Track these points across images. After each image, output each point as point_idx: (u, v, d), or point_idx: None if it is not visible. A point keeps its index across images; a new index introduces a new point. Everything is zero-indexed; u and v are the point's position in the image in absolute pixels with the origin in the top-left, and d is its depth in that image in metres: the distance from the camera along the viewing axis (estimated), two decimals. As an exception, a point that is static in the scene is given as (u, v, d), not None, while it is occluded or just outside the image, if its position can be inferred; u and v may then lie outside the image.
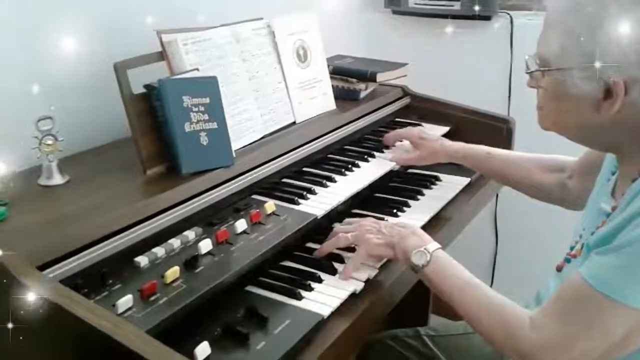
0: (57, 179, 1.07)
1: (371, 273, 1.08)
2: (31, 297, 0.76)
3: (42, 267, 0.83)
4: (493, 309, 0.91)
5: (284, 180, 1.31)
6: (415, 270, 1.00)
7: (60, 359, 0.78)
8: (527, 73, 0.98)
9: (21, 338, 0.80)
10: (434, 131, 1.63)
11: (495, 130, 1.68)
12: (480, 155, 1.36)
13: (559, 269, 1.00)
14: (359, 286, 1.04)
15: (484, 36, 2.06)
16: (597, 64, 0.83)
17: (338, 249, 1.12)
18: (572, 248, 0.99)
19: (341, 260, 1.12)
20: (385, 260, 1.11)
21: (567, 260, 0.99)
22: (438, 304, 1.94)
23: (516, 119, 1.71)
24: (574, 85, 0.87)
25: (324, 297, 1.00)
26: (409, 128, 1.53)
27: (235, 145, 1.22)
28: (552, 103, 0.94)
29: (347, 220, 1.19)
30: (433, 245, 1.01)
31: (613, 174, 0.98)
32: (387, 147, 1.51)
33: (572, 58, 0.86)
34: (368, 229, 1.09)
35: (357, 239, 1.09)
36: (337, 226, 1.17)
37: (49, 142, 1.05)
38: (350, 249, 1.12)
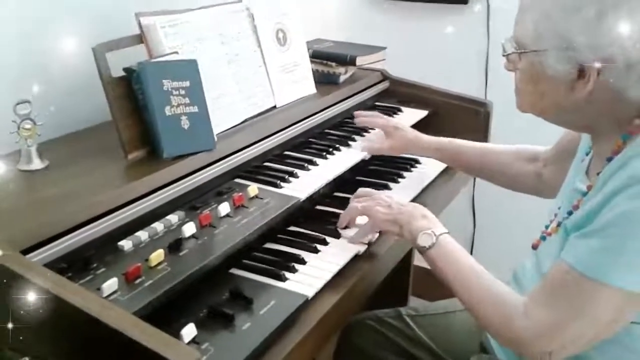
0: (37, 164, 1.05)
1: (361, 249, 1.11)
2: (16, 281, 0.76)
3: (25, 252, 0.82)
4: (490, 295, 0.93)
5: (266, 164, 1.31)
6: (420, 251, 1.02)
7: (48, 343, 0.77)
8: (503, 56, 0.99)
9: (5, 323, 0.80)
10: (413, 115, 1.65)
11: (473, 113, 1.70)
12: (452, 148, 1.36)
13: (535, 247, 1.03)
14: (344, 261, 1.07)
15: (462, 20, 2.07)
16: (571, 46, 0.85)
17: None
18: (547, 227, 1.02)
19: (323, 242, 1.13)
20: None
21: (543, 238, 1.02)
22: (417, 286, 1.98)
23: (494, 103, 1.73)
24: (549, 66, 0.89)
25: (308, 278, 1.02)
26: (386, 117, 1.51)
27: (217, 129, 1.21)
28: (529, 85, 0.95)
29: (362, 190, 1.19)
30: (440, 229, 1.02)
31: (587, 154, 1.01)
32: (371, 127, 1.50)
33: (547, 40, 0.88)
34: (379, 202, 1.10)
35: (366, 210, 1.11)
36: (354, 195, 1.18)
37: (28, 126, 1.04)
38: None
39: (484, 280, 0.95)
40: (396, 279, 1.83)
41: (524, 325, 0.87)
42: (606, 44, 0.83)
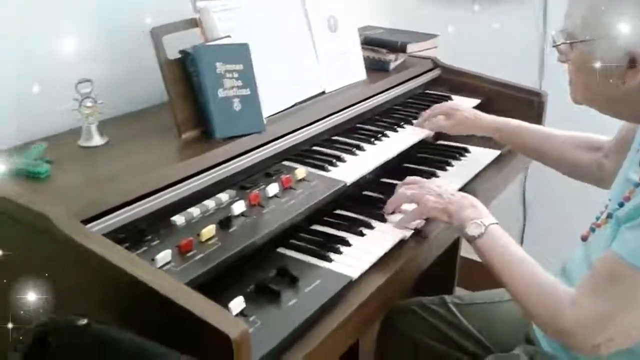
0: (97, 141, 1.10)
1: (407, 234, 1.11)
2: (76, 249, 0.80)
3: (85, 222, 0.87)
4: (538, 286, 0.92)
5: (314, 147, 1.32)
6: (468, 240, 1.02)
7: (103, 310, 0.81)
8: (553, 47, 0.99)
9: (66, 289, 0.84)
10: (465, 104, 1.63)
11: (526, 103, 1.66)
12: (513, 129, 1.35)
13: (584, 239, 1.01)
14: (389, 245, 1.07)
15: (518, 8, 2.02)
16: (620, 35, 0.83)
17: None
18: (597, 218, 0.99)
19: (369, 225, 1.14)
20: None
21: (592, 230, 0.99)
22: (463, 278, 1.95)
23: (549, 94, 1.68)
24: (599, 56, 0.88)
25: (353, 260, 1.03)
26: (443, 103, 1.52)
27: (267, 112, 1.23)
28: (580, 76, 0.95)
29: (410, 178, 1.20)
30: (490, 219, 1.02)
31: (642, 144, 0.97)
32: (420, 115, 1.50)
33: (596, 30, 0.87)
34: (428, 190, 1.10)
35: (415, 198, 1.11)
36: (401, 183, 1.19)
37: (89, 104, 1.08)
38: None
39: (532, 270, 0.93)
40: (442, 269, 1.80)
41: (572, 316, 0.86)
42: None
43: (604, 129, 1.25)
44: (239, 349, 0.69)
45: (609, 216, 0.94)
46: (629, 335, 0.83)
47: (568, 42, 0.93)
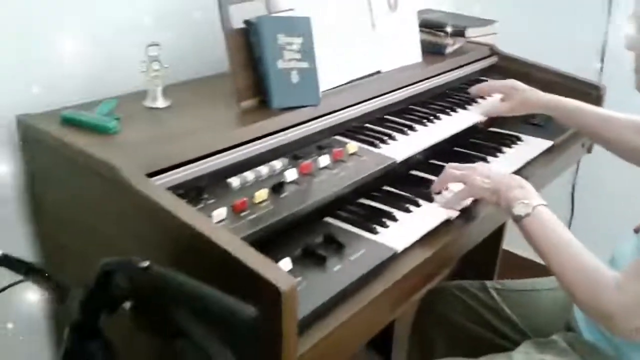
0: (161, 102, 1.16)
1: (453, 215, 1.12)
2: (140, 199, 0.85)
3: (150, 176, 0.92)
4: (583, 268, 0.92)
5: (366, 125, 1.34)
6: (515, 220, 1.02)
7: (163, 258, 0.86)
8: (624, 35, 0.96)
9: (129, 235, 0.90)
10: (524, 85, 1.61)
11: (584, 96, 1.62)
12: (572, 108, 1.35)
13: (637, 231, 1.00)
14: (435, 223, 1.09)
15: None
16: None
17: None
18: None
19: (415, 203, 1.15)
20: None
21: (646, 222, 0.98)
22: (503, 271, 1.95)
23: (609, 89, 1.65)
24: None
25: (398, 234, 1.05)
26: (501, 80, 1.51)
27: (323, 86, 1.26)
28: None
29: (457, 164, 1.21)
30: (538, 200, 1.02)
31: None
32: (474, 102, 1.51)
33: None
34: (477, 172, 1.11)
35: (465, 178, 1.12)
36: (449, 165, 1.20)
37: (156, 67, 1.14)
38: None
39: (578, 252, 0.93)
40: (483, 258, 1.82)
41: (614, 299, 0.86)
42: None
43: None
44: (287, 301, 0.73)
45: None
46: None
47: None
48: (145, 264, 0.74)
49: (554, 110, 1.37)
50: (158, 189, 0.87)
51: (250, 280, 0.75)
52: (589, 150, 1.66)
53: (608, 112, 1.36)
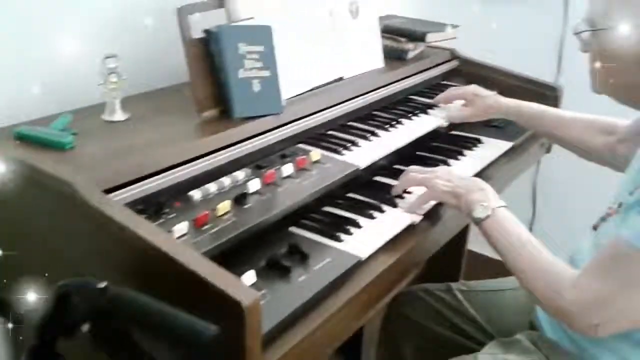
0: (119, 115, 1.14)
1: (416, 219, 1.13)
2: (97, 217, 0.84)
3: (107, 192, 0.90)
4: (542, 267, 0.94)
5: (330, 132, 1.35)
6: (475, 222, 1.04)
7: (121, 276, 0.85)
8: (574, 34, 0.99)
9: (86, 254, 0.88)
10: (486, 91, 1.64)
11: (543, 98, 1.66)
12: (533, 112, 1.38)
13: (595, 228, 1.03)
14: (398, 228, 1.10)
15: (539, 1, 2.02)
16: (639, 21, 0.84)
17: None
18: (609, 208, 1.01)
19: (379, 209, 1.16)
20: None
21: (603, 219, 1.01)
22: (468, 272, 1.98)
23: (566, 88, 1.69)
24: (619, 44, 0.88)
25: (363, 241, 1.05)
26: (463, 86, 1.54)
27: (285, 94, 1.26)
28: (601, 65, 0.95)
29: (418, 167, 1.22)
30: (497, 202, 1.04)
31: (656, 135, 0.99)
32: (436, 106, 1.53)
33: (617, 17, 0.88)
34: (438, 175, 1.13)
35: (425, 181, 1.13)
36: (410, 168, 1.21)
37: (114, 79, 1.12)
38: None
39: (537, 251, 0.95)
40: (449, 259, 1.84)
41: (573, 296, 0.88)
42: None
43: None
44: (250, 316, 0.72)
45: (620, 205, 0.96)
46: (627, 317, 0.85)
47: (590, 29, 0.93)
48: (103, 284, 0.72)
49: (515, 115, 1.41)
50: (115, 205, 0.86)
51: (212, 296, 0.74)
52: (548, 150, 1.70)
53: (567, 113, 1.40)
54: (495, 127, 1.58)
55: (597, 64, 0.96)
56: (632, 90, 0.92)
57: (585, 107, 1.39)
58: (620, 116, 1.24)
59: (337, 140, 1.30)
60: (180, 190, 1.00)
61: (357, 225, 1.10)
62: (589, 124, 1.31)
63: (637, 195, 0.88)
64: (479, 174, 1.38)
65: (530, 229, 2.17)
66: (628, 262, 0.84)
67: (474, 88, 1.49)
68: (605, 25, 0.91)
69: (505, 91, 1.68)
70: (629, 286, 0.83)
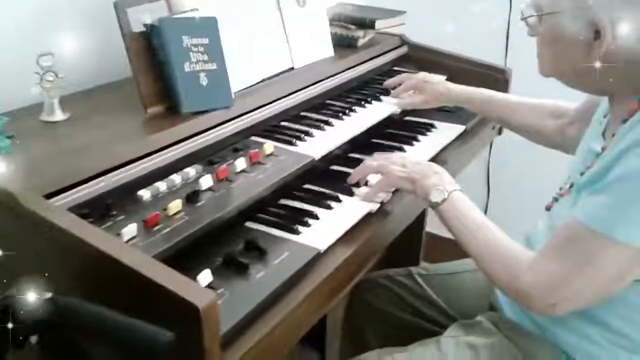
0: (59, 115, 1.08)
1: (374, 207, 1.13)
2: (39, 224, 0.79)
3: (48, 197, 0.85)
4: (499, 249, 0.95)
5: (283, 123, 1.32)
6: (432, 206, 1.04)
7: (69, 284, 0.81)
8: (521, 20, 1.00)
9: (31, 264, 0.83)
10: (437, 78, 1.64)
11: (492, 80, 1.68)
12: (482, 98, 1.40)
13: (548, 208, 1.04)
14: (356, 218, 1.09)
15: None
16: (586, 6, 0.85)
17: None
18: (561, 189, 1.03)
19: (336, 199, 1.15)
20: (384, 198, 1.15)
21: (556, 200, 1.03)
22: (428, 253, 2.00)
23: (514, 70, 1.71)
24: (566, 28, 0.90)
25: (321, 233, 1.04)
26: (413, 74, 1.54)
27: (235, 87, 1.23)
28: (549, 48, 0.96)
29: (378, 154, 1.22)
30: (453, 186, 1.04)
31: (605, 116, 1.00)
32: (388, 92, 1.53)
33: (563, 1, 0.89)
34: (394, 162, 1.13)
35: (381, 168, 1.13)
36: (367, 158, 1.21)
37: (50, 78, 1.06)
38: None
39: (493, 234, 0.96)
40: (408, 243, 1.85)
41: (530, 277, 0.89)
42: (620, 3, 0.83)
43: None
44: (207, 318, 0.70)
45: (572, 186, 0.98)
46: (584, 296, 0.87)
47: (536, 14, 0.94)
48: (48, 294, 0.69)
49: (465, 102, 1.42)
50: (57, 211, 0.81)
51: (166, 300, 0.71)
52: (500, 132, 1.72)
53: (516, 98, 1.41)
54: (448, 111, 1.60)
55: (544, 48, 0.97)
56: (578, 73, 0.94)
57: (534, 90, 1.41)
58: (569, 98, 1.26)
59: (290, 132, 1.27)
60: (128, 190, 0.96)
61: (314, 216, 1.08)
62: (538, 108, 1.33)
63: (588, 176, 0.90)
64: (433, 159, 1.38)
65: (486, 211, 2.21)
66: (582, 242, 0.85)
67: (423, 75, 1.49)
68: (551, 9, 0.91)
69: (455, 75, 1.71)
70: (584, 266, 0.85)
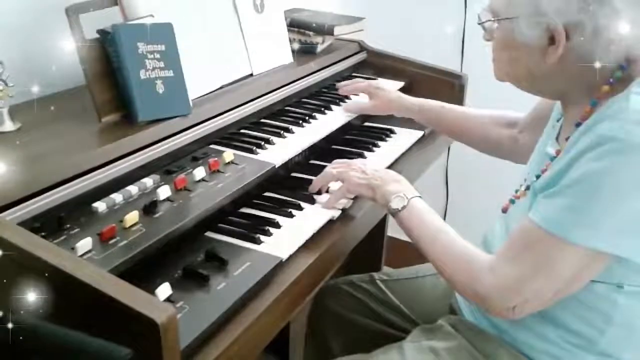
0: (8, 126, 1.04)
1: (335, 214, 1.13)
2: (-13, 239, 0.76)
3: (-3, 211, 0.82)
4: (458, 254, 0.96)
5: (242, 130, 1.31)
6: (392, 213, 1.05)
7: (20, 302, 0.78)
8: (478, 24, 1.02)
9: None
10: (389, 86, 1.66)
11: (448, 85, 1.72)
12: (434, 110, 1.40)
13: (504, 211, 1.07)
14: (318, 225, 1.09)
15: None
16: (541, 12, 0.88)
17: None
18: (516, 191, 1.05)
19: (298, 207, 1.14)
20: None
21: (512, 202, 1.05)
22: (390, 258, 2.01)
23: (470, 75, 1.75)
24: (521, 33, 0.92)
25: (283, 241, 1.03)
26: (367, 80, 1.55)
27: (192, 94, 1.21)
28: (504, 53, 0.98)
29: (337, 160, 1.22)
30: (412, 193, 1.05)
31: (558, 120, 1.03)
32: (347, 97, 1.53)
33: (519, 7, 0.91)
34: (353, 168, 1.13)
35: (341, 175, 1.13)
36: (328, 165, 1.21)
37: (-1, 87, 1.02)
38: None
39: (451, 239, 0.98)
40: (370, 248, 1.86)
41: (489, 281, 0.91)
42: (574, 10, 0.85)
43: (522, 109, 1.32)
44: (166, 333, 0.68)
45: (527, 188, 1.00)
46: (542, 297, 0.89)
47: (492, 19, 0.96)
48: (-2, 314, 0.66)
49: (417, 114, 1.41)
50: (7, 225, 0.78)
51: (124, 316, 0.69)
52: (457, 136, 1.75)
53: (466, 109, 1.43)
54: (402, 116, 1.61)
55: (500, 53, 0.99)
56: (534, 77, 0.96)
57: (486, 95, 1.44)
58: (523, 103, 1.29)
59: (250, 139, 1.26)
60: (83, 202, 0.93)
61: (276, 225, 1.07)
62: (489, 118, 1.34)
63: (544, 179, 0.92)
64: (393, 164, 1.40)
65: (445, 215, 2.25)
66: (538, 245, 0.87)
67: (377, 82, 1.51)
68: (507, 14, 0.93)
69: (414, 80, 1.73)
70: (541, 268, 0.87)
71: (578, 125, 0.92)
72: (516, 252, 0.90)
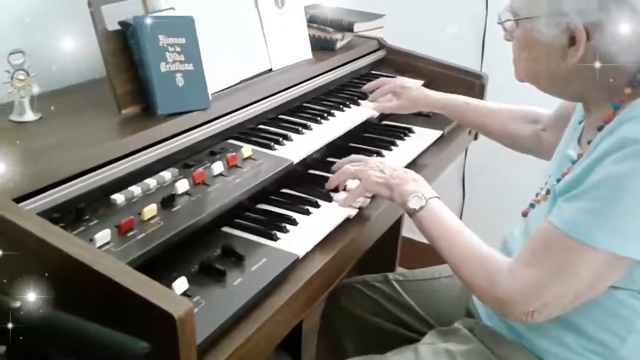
0: (30, 116, 1.05)
1: (352, 212, 1.12)
2: (9, 229, 0.76)
3: (18, 200, 0.82)
4: (476, 256, 0.95)
5: (260, 126, 1.31)
6: (409, 214, 1.04)
7: (39, 293, 0.78)
8: (498, 24, 1.01)
9: (3, 273, 0.80)
10: (413, 83, 1.65)
11: (468, 85, 1.70)
12: (458, 104, 1.40)
13: (525, 215, 1.05)
14: (335, 223, 1.08)
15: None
16: (561, 11, 0.86)
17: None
18: (537, 195, 1.04)
19: (315, 204, 1.14)
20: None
21: (532, 206, 1.03)
22: (404, 258, 2.00)
23: (490, 75, 1.73)
24: (542, 33, 0.90)
25: (299, 238, 1.03)
26: (390, 79, 1.54)
27: (212, 88, 1.20)
28: (524, 53, 0.97)
29: (355, 156, 1.21)
30: (430, 193, 1.04)
31: (580, 122, 1.02)
32: (366, 96, 1.52)
33: (539, 6, 0.90)
34: (371, 166, 1.12)
35: (358, 173, 1.12)
36: (342, 160, 1.21)
37: (21, 77, 1.02)
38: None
39: (470, 241, 0.96)
40: (385, 248, 1.85)
41: (507, 285, 0.89)
42: (594, 9, 0.84)
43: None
44: (183, 327, 0.68)
45: (548, 192, 0.98)
46: (561, 302, 0.87)
47: (513, 19, 0.95)
48: (17, 304, 0.66)
49: (442, 109, 1.42)
50: (27, 215, 0.78)
51: (141, 309, 0.69)
52: (476, 137, 1.73)
53: (492, 104, 1.43)
54: (426, 116, 1.60)
55: (520, 53, 0.98)
56: (553, 78, 0.95)
57: (510, 95, 1.43)
58: (544, 104, 1.28)
59: (268, 135, 1.26)
60: (102, 194, 0.93)
61: (292, 222, 1.07)
62: (513, 113, 1.34)
63: (565, 183, 0.90)
64: (411, 164, 1.39)
65: (461, 216, 2.23)
66: (559, 249, 0.86)
67: (400, 80, 1.50)
68: (527, 14, 0.92)
69: (432, 79, 1.72)
70: (561, 272, 0.85)
71: (600, 128, 0.90)
72: (536, 255, 0.88)
